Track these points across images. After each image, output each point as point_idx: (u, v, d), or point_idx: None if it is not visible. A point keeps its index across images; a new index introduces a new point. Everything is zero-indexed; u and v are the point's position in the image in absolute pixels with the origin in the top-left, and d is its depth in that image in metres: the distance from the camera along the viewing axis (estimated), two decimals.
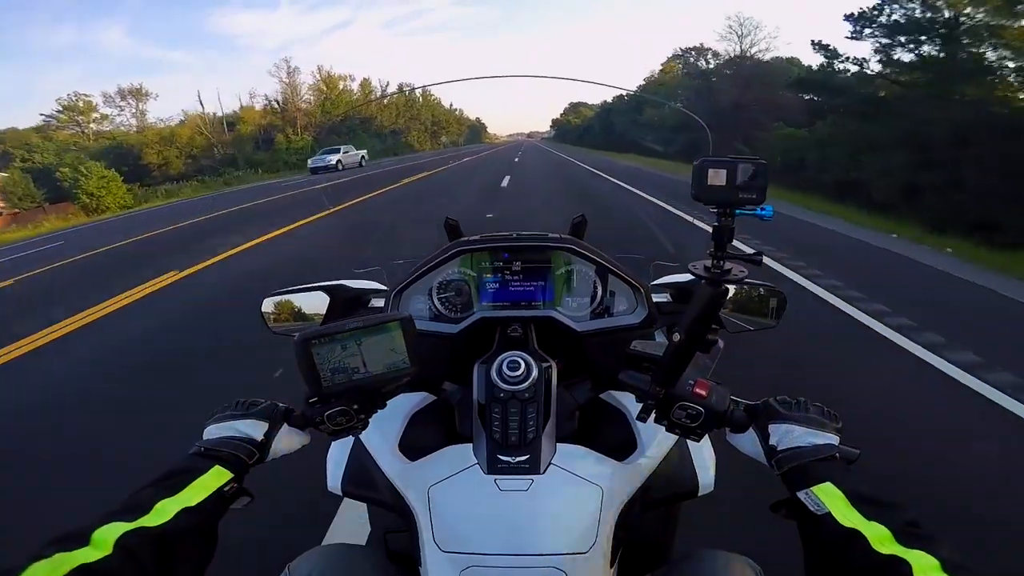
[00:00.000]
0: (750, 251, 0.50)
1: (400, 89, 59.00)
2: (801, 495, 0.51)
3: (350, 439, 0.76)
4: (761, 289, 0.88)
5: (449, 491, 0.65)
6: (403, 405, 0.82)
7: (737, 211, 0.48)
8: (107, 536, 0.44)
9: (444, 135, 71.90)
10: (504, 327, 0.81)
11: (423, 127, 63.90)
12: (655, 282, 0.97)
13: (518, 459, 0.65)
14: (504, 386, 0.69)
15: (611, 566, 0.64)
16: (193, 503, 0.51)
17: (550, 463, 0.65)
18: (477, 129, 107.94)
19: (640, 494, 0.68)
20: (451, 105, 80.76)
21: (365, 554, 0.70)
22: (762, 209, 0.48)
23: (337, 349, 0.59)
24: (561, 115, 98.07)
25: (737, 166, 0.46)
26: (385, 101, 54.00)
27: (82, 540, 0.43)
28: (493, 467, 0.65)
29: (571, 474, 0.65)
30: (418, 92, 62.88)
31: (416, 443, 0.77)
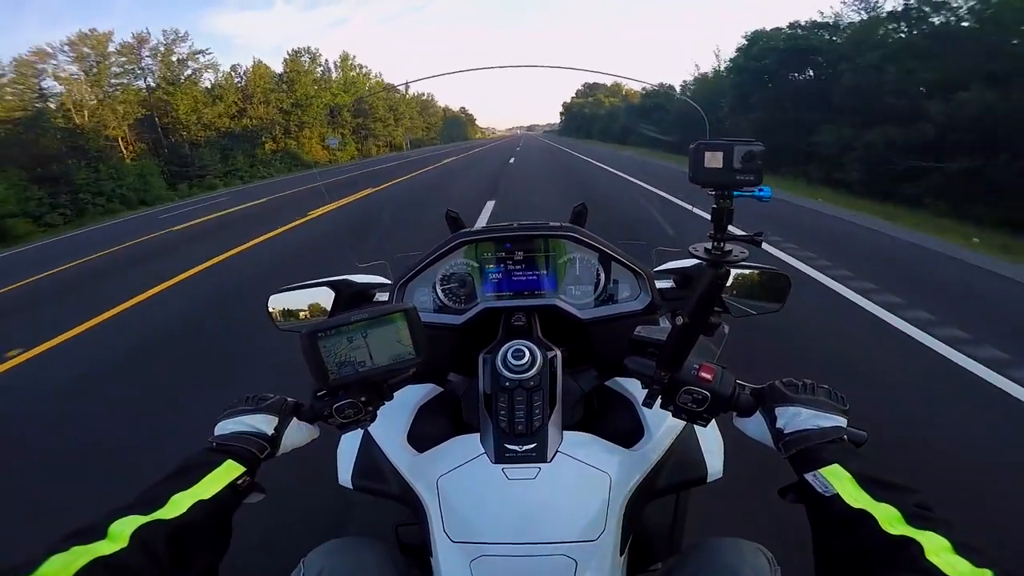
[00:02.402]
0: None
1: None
2: (808, 477, 0.51)
3: (359, 432, 0.77)
4: (766, 272, 0.88)
5: (457, 481, 0.65)
6: (410, 397, 0.82)
7: (735, 193, 0.48)
8: (123, 529, 0.45)
9: (378, 132, 44.82)
10: (508, 317, 0.81)
11: (327, 121, 39.03)
12: (658, 268, 0.97)
13: (525, 448, 0.65)
14: (509, 375, 0.69)
15: (621, 554, 0.64)
16: (207, 496, 0.52)
17: (557, 451, 0.66)
18: (460, 122, 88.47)
19: (648, 481, 0.68)
20: (407, 88, 53.50)
21: (377, 547, 0.70)
22: (760, 190, 0.48)
23: (343, 342, 0.59)
24: (575, 97, 70.71)
25: (733, 148, 0.46)
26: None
27: (99, 533, 0.44)
28: (500, 456, 0.65)
29: (578, 462, 0.65)
30: (331, 64, 40.37)
31: (424, 434, 0.77)
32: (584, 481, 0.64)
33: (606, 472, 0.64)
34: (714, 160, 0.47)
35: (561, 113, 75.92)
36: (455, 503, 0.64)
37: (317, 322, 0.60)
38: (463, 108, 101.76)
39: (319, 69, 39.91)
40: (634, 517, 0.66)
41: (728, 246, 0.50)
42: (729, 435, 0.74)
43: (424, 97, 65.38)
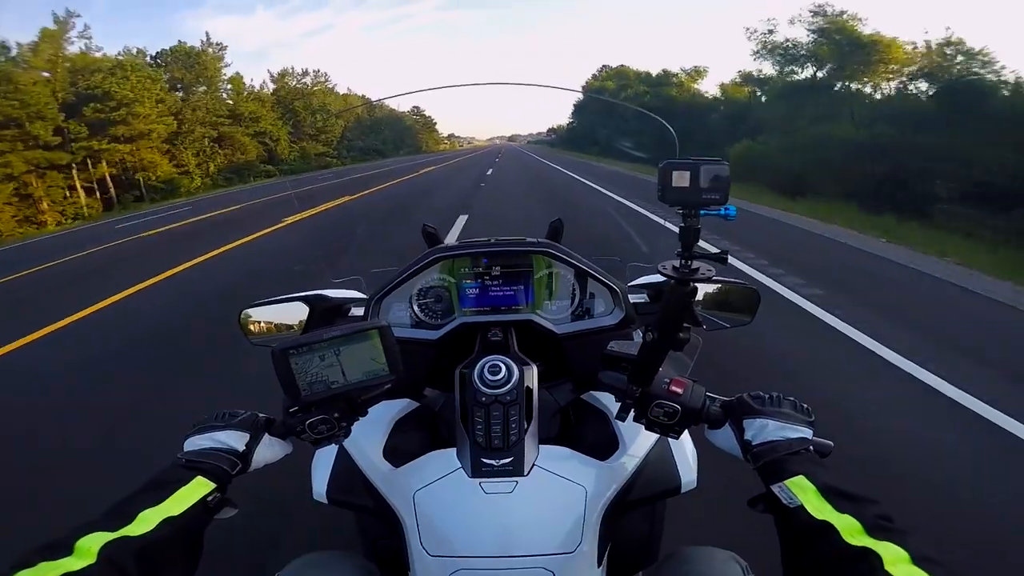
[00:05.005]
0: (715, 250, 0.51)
1: None
2: (775, 488, 0.52)
3: (334, 447, 0.76)
4: (736, 287, 0.90)
5: (434, 496, 0.65)
6: (386, 412, 0.82)
7: (702, 211, 0.49)
8: (90, 545, 0.44)
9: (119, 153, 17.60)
10: (484, 332, 0.81)
11: None
12: (632, 283, 0.98)
13: (502, 462, 0.66)
14: (486, 390, 0.69)
15: (599, 565, 0.64)
16: (176, 513, 0.51)
17: (534, 464, 0.66)
18: (402, 128, 62.57)
19: (624, 492, 0.69)
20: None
21: (354, 561, 0.70)
22: (725, 210, 0.49)
23: (315, 359, 0.59)
24: (591, 79, 39.23)
25: (700, 168, 0.48)
26: None
27: (65, 549, 0.44)
28: (477, 470, 0.65)
29: (555, 475, 0.65)
30: None
31: (400, 449, 0.77)
32: (561, 494, 0.64)
33: (582, 485, 0.65)
34: (681, 179, 0.48)
35: (572, 112, 45.50)
36: (432, 517, 0.64)
37: (288, 339, 0.59)
38: (415, 107, 71.36)
39: None
40: (611, 528, 0.67)
41: (695, 264, 0.51)
42: (703, 446, 0.75)
43: (315, 87, 39.44)
